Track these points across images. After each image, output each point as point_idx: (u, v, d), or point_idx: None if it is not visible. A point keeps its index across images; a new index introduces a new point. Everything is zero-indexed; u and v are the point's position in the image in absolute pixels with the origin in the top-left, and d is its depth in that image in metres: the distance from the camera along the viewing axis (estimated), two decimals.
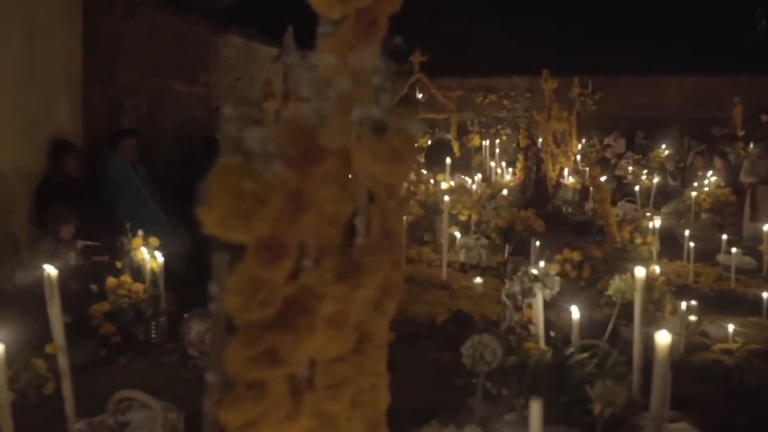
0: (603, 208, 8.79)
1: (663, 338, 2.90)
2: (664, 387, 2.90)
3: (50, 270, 3.79)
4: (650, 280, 6.44)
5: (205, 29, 8.85)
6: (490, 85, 18.30)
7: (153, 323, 5.32)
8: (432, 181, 10.79)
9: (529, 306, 4.11)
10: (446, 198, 6.37)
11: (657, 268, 7.31)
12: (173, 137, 7.89)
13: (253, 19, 9.36)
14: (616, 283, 4.14)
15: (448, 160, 10.29)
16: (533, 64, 13.88)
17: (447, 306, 6.31)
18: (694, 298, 7.10)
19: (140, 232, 5.54)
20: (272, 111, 6.35)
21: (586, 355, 3.80)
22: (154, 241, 5.52)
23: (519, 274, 3.92)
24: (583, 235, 10.26)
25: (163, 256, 6.46)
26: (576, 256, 6.39)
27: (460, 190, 8.93)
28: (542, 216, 11.77)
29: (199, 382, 4.86)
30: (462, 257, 7.97)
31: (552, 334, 4.00)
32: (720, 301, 7.68)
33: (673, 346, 5.94)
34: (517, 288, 3.89)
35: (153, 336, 5.32)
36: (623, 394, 2.44)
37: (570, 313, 5.85)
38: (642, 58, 16.80)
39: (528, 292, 3.79)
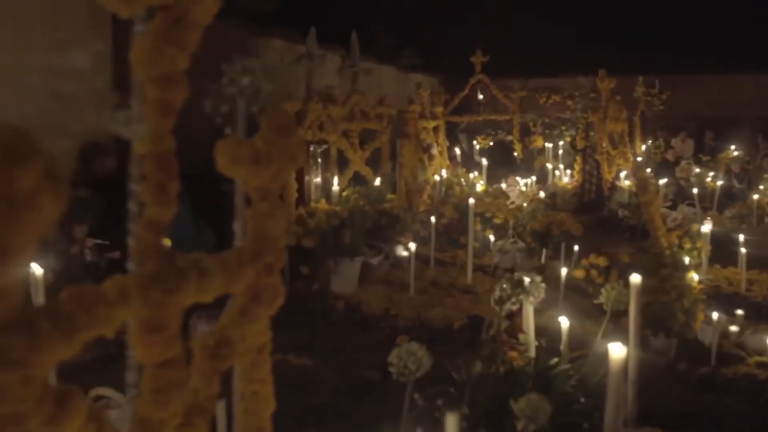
0: (649, 211, 8.44)
1: (617, 351, 2.73)
2: (618, 402, 2.73)
3: (35, 268, 3.87)
4: (682, 287, 6.18)
5: (243, 33, 8.95)
6: (555, 85, 17.91)
7: None
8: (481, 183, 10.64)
9: (517, 312, 3.96)
10: (471, 200, 6.24)
11: (695, 276, 7.00)
12: (210, 139, 7.97)
13: (298, 21, 9.41)
14: (607, 291, 3.93)
15: (485, 162, 10.11)
16: (599, 64, 13.48)
17: (467, 311, 6.19)
18: (743, 307, 6.76)
19: None
20: (291, 113, 6.35)
21: (568, 366, 3.63)
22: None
23: (502, 279, 3.77)
24: (636, 240, 9.91)
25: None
26: (602, 261, 6.15)
27: (495, 193, 8.75)
28: (597, 220, 11.50)
29: None
30: (496, 260, 7.80)
31: (535, 342, 3.84)
32: None
33: (702, 357, 5.71)
34: (499, 294, 3.75)
35: None
36: (547, 410, 2.29)
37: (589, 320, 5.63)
38: (712, 54, 16.12)
39: (508, 299, 3.64)
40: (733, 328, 6.21)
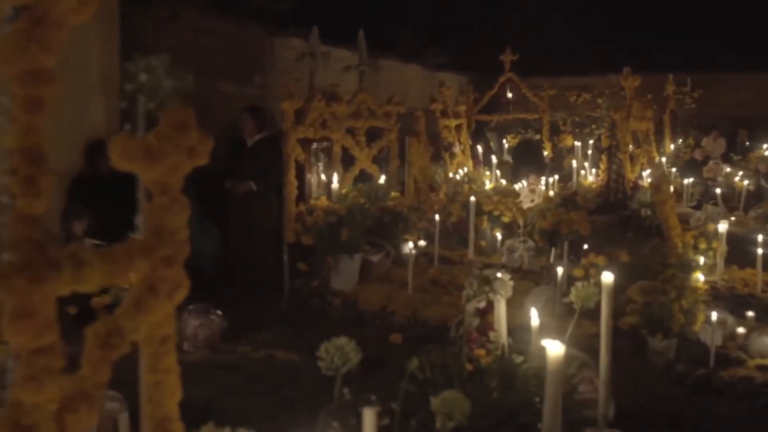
0: (663, 211, 8.30)
1: (554, 349, 2.70)
2: (557, 402, 2.71)
3: None
4: (682, 287, 6.07)
5: (259, 31, 9.04)
6: (585, 83, 17.68)
7: None
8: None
9: (489, 310, 3.94)
10: (472, 198, 6.22)
11: (701, 276, 6.87)
12: (222, 138, 8.07)
13: (317, 20, 9.47)
14: (577, 289, 3.88)
15: (494, 159, 10.05)
16: (631, 62, 13.28)
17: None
18: (758, 309, 6.62)
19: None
20: (291, 111, 6.41)
21: (528, 365, 3.60)
22: None
23: (470, 277, 3.76)
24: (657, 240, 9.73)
25: (190, 254, 6.65)
26: (601, 261, 6.08)
27: (504, 192, 8.70)
28: (620, 219, 11.35)
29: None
30: (504, 260, 7.76)
31: (502, 341, 3.82)
32: None
33: (702, 359, 5.59)
34: (469, 291, 3.75)
35: None
36: (465, 406, 2.28)
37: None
38: (747, 53, 15.75)
39: (473, 296, 3.64)
40: (741, 330, 6.09)
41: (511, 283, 3.79)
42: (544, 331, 4.25)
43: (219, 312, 5.47)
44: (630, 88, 11.76)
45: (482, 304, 3.78)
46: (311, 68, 6.96)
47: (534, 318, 3.87)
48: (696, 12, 16.46)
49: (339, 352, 2.68)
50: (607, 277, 3.95)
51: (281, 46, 9.54)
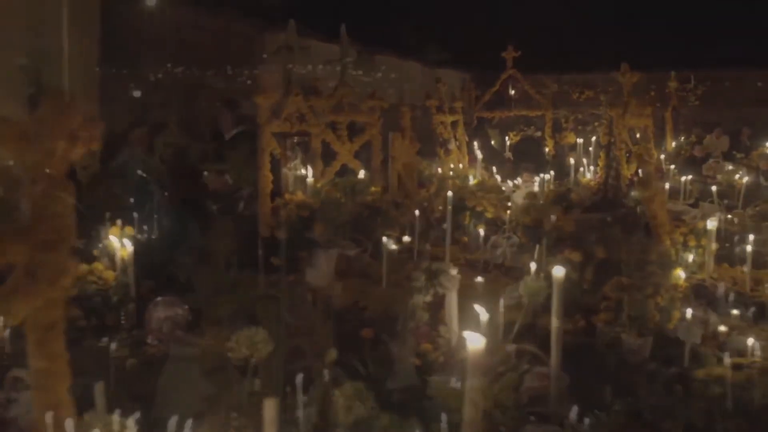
0: (651, 208, 8.20)
1: (474, 342, 2.64)
2: (476, 399, 2.65)
3: None
4: (658, 284, 5.97)
5: (248, 26, 9.03)
6: (589, 80, 17.55)
7: (122, 310, 5.48)
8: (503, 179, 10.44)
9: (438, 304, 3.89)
10: (449, 194, 6.16)
11: (681, 273, 6.76)
12: (208, 131, 8.10)
13: (309, 15, 9.44)
14: (526, 283, 3.82)
15: (479, 155, 9.98)
16: (634, 58, 13.14)
17: None
18: (743, 308, 6.52)
19: (119, 222, 5.71)
20: (265, 106, 6.39)
21: None
22: (129, 230, 5.69)
23: (416, 270, 3.71)
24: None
25: (168, 247, 6.67)
26: (575, 257, 5.99)
27: (486, 187, 8.62)
28: (616, 216, 11.21)
29: (138, 367, 4.88)
30: (486, 256, 7.67)
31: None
32: None
33: (678, 358, 5.51)
34: (416, 285, 3.70)
35: (122, 322, 5.48)
36: (366, 399, 2.24)
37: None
38: (751, 49, 15.56)
39: (419, 290, 3.58)
40: (723, 328, 6.00)
41: (458, 276, 3.73)
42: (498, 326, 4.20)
43: (186, 306, 5.45)
44: (628, 84, 11.62)
45: (428, 298, 3.73)
46: (287, 62, 6.94)
47: (482, 314, 3.81)
48: (700, 9, 16.30)
49: (248, 342, 2.64)
50: (558, 272, 3.90)
51: (271, 41, 9.51)
